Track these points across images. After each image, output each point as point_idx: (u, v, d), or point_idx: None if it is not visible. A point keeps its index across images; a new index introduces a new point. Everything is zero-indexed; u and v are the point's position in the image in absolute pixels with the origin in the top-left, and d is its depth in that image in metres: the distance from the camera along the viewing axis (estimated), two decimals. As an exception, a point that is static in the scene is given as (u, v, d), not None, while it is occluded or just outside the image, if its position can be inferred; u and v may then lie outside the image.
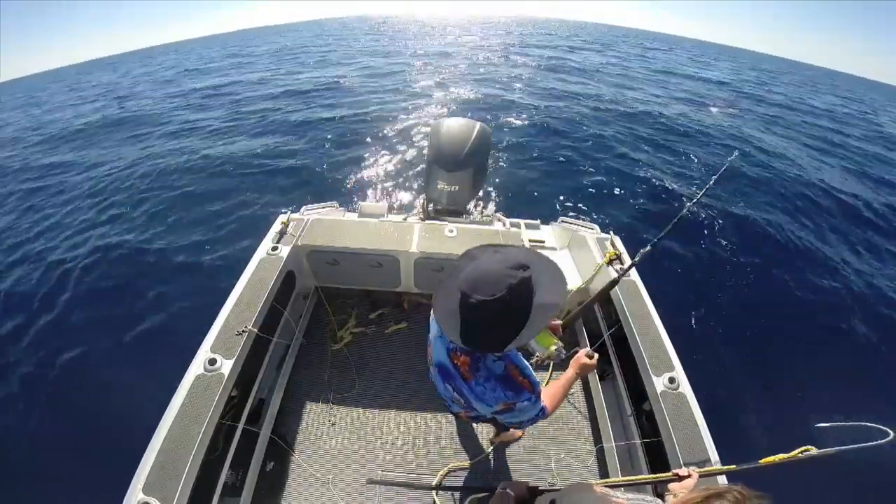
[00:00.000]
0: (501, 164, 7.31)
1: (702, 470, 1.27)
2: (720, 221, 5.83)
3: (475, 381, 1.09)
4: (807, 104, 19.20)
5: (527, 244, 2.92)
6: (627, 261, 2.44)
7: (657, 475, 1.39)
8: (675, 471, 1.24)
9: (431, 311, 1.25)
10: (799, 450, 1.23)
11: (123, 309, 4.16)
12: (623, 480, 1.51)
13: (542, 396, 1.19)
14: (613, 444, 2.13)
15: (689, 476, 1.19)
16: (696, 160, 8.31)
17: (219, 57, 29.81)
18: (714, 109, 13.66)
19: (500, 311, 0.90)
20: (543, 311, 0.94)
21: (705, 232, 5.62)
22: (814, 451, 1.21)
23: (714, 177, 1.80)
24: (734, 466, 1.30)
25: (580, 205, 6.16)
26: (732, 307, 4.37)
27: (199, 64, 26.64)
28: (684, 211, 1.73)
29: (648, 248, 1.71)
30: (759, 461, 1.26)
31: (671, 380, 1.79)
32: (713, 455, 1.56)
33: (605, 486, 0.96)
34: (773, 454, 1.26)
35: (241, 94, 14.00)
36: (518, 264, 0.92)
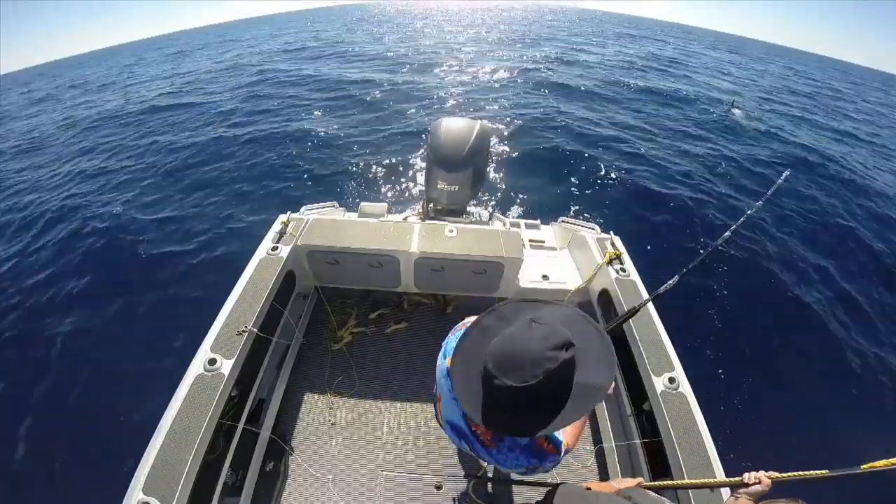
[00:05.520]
0: (502, 163, 7.30)
1: (778, 476, 1.05)
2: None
3: (497, 451, 0.97)
4: None
5: (527, 244, 2.91)
6: (627, 261, 2.44)
7: (727, 479, 1.23)
8: (741, 478, 1.10)
9: (440, 363, 1.13)
10: None
11: (124, 308, 4.17)
12: (682, 483, 1.39)
13: (565, 436, 1.06)
14: (613, 444, 2.13)
15: (757, 483, 1.04)
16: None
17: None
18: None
19: (532, 398, 0.75)
20: (587, 393, 0.78)
21: (712, 231, 5.59)
22: None
23: (760, 200, 1.84)
24: (826, 472, 1.03)
25: (586, 204, 6.14)
26: (738, 308, 4.36)
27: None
28: (720, 241, 1.76)
29: (672, 281, 1.72)
30: (862, 466, 1.00)
31: (671, 380, 1.79)
32: (714, 456, 1.55)
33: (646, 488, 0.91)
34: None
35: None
36: (562, 343, 0.75)
